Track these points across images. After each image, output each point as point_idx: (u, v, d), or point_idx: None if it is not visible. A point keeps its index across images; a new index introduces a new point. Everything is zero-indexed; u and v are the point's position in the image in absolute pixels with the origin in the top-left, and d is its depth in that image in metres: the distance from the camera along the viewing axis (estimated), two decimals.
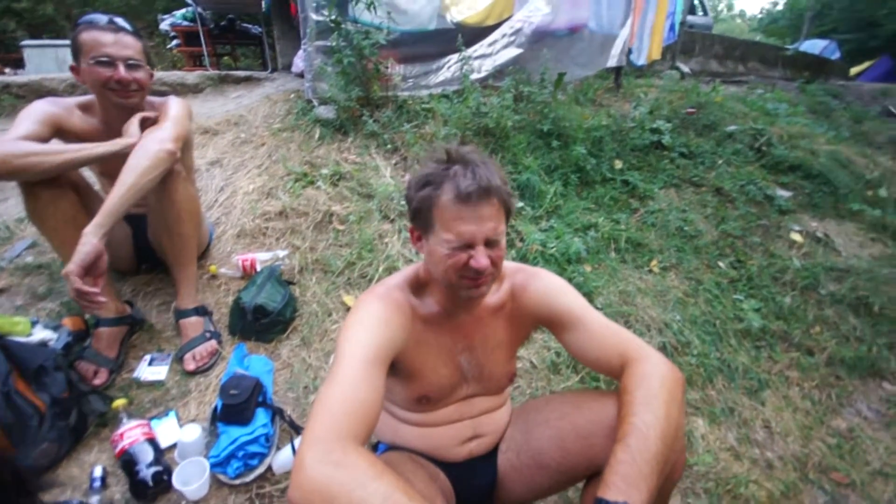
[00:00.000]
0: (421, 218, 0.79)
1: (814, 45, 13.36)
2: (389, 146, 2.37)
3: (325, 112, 2.54)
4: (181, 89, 3.67)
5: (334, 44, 2.41)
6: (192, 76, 3.75)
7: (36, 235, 1.78)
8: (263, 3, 4.15)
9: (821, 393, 1.76)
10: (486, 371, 0.96)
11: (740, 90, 5.64)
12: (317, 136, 2.41)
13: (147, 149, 1.18)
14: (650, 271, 2.14)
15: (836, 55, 13.44)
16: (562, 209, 2.32)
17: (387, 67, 2.58)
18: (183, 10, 4.12)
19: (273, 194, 2.02)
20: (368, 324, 0.80)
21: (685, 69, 6.14)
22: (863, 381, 1.85)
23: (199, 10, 4.05)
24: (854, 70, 12.39)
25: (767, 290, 2.10)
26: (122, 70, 1.25)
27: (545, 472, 0.95)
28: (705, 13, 8.50)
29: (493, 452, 1.02)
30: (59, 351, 1.09)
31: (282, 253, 1.70)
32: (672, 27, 5.39)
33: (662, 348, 1.76)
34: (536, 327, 1.00)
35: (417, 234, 0.83)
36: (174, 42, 4.29)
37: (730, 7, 38.21)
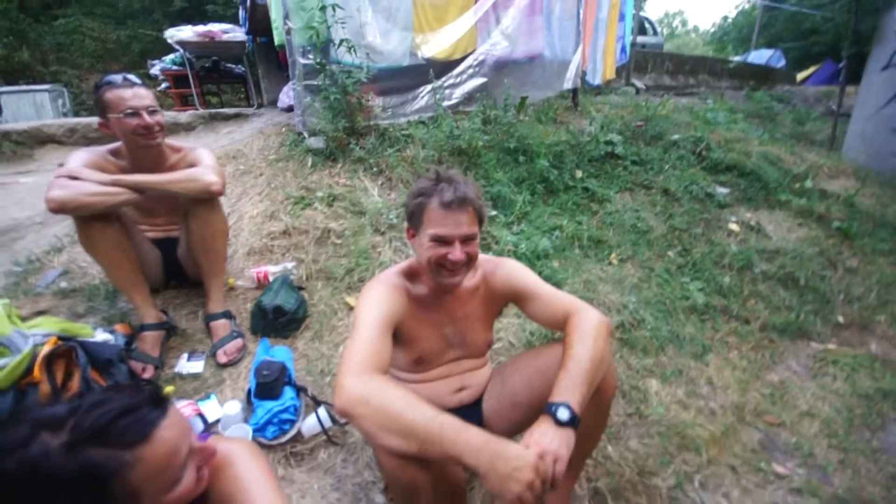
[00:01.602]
0: (414, 219, 1.09)
1: (760, 56, 14.39)
2: (375, 169, 2.68)
3: (316, 142, 2.83)
4: (175, 128, 3.94)
5: (321, 83, 2.73)
6: (184, 116, 4.03)
7: (66, 265, 2.01)
8: (247, 46, 4.50)
9: (756, 353, 2.08)
10: (468, 339, 1.24)
11: (692, 101, 6.18)
12: (309, 163, 2.69)
13: (202, 176, 1.47)
14: (610, 263, 2.47)
15: (782, 63, 14.48)
16: (530, 215, 2.65)
17: (368, 100, 2.91)
18: (172, 56, 4.42)
19: (276, 216, 2.28)
20: (376, 300, 1.08)
21: (640, 85, 6.70)
22: (793, 342, 2.18)
23: (188, 55, 4.36)
24: (801, 75, 13.36)
25: (709, 273, 2.44)
26: (146, 117, 1.52)
27: (519, 409, 1.22)
28: (655, 33, 9.22)
29: (478, 401, 1.29)
30: (122, 347, 1.33)
31: (290, 265, 1.96)
32: (623, 49, 5.94)
33: (621, 325, 2.06)
34: (505, 303, 1.29)
35: (412, 231, 1.12)
36: (164, 85, 4.57)
37: (684, 23, 40.73)
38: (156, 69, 4.44)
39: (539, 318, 1.19)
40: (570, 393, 0.93)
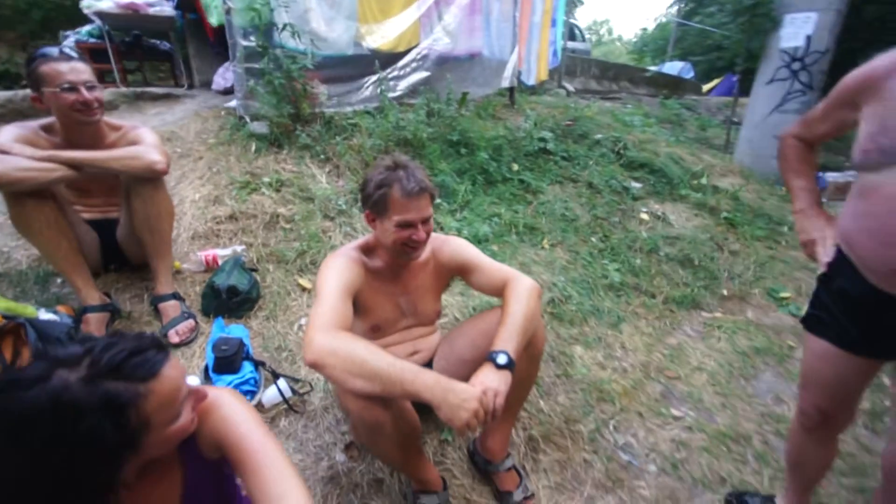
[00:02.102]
0: (378, 207, 1.18)
1: (673, 67, 15.95)
2: (322, 157, 2.71)
3: (259, 127, 2.80)
4: None
5: (264, 66, 2.70)
6: (104, 93, 3.72)
7: None
8: (176, 21, 4.22)
9: (659, 322, 2.45)
10: (419, 309, 1.38)
11: (614, 105, 6.76)
12: (253, 149, 2.67)
13: (146, 154, 1.45)
14: (542, 248, 2.73)
15: (691, 75, 16.14)
16: (472, 203, 2.84)
17: (313, 88, 2.92)
18: (88, 27, 4.02)
19: (220, 201, 2.26)
20: (337, 270, 1.19)
21: (570, 88, 7.20)
22: (688, 312, 2.58)
23: (106, 27, 4.00)
24: (706, 87, 14.97)
25: (624, 255, 2.80)
26: (84, 93, 1.48)
27: (465, 366, 1.39)
28: (583, 39, 9.89)
29: (429, 364, 1.45)
30: (70, 325, 1.30)
31: (239, 248, 1.97)
32: (555, 53, 6.35)
33: (551, 301, 2.32)
34: (452, 276, 1.45)
35: (373, 216, 1.23)
36: None
37: (610, 32, 43.71)
38: (69, 41, 4.01)
39: (481, 287, 1.36)
40: (507, 343, 1.11)
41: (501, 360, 1.08)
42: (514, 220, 2.82)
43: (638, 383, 2.02)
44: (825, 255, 1.17)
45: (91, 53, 4.04)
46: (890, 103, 0.97)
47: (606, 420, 1.79)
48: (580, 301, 2.38)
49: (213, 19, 3.19)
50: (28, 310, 1.27)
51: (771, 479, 1.66)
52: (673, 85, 11.07)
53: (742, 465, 1.72)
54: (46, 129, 1.53)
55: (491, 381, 1.04)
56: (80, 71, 1.48)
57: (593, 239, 2.91)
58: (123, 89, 3.81)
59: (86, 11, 3.88)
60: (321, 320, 1.03)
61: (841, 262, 1.12)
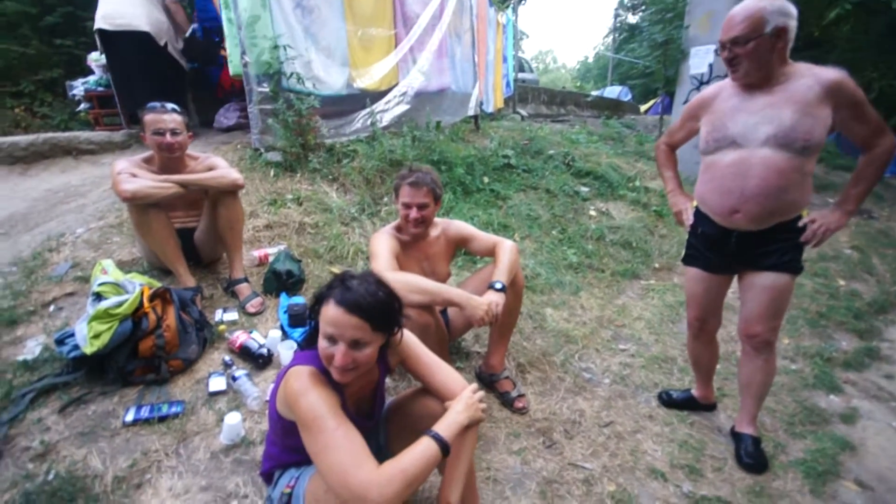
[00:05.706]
0: (395, 193, 1.83)
1: (612, 91, 17.68)
2: (330, 177, 3.30)
3: (274, 157, 3.35)
4: (109, 146, 4.08)
5: (277, 107, 3.27)
6: (118, 135, 4.17)
7: (69, 259, 2.30)
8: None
9: (609, 289, 3.15)
10: (436, 269, 1.99)
11: (563, 127, 7.72)
12: (272, 174, 3.22)
13: (229, 174, 2.00)
14: (514, 240, 3.40)
15: (629, 97, 17.94)
16: (455, 209, 3.49)
17: (317, 122, 3.52)
18: (94, 77, 4.45)
19: (255, 214, 2.79)
20: (382, 240, 1.79)
21: (524, 113, 8.14)
22: (629, 281, 3.30)
23: (109, 77, 4.45)
24: (644, 107, 16.68)
25: (579, 243, 3.52)
26: (168, 137, 2.01)
27: None
28: (531, 71, 11.07)
29: (444, 310, 2.04)
30: (194, 293, 1.80)
31: (282, 247, 2.51)
32: (508, 84, 7.29)
33: (526, 277, 2.97)
34: (458, 246, 2.07)
35: (395, 199, 1.85)
36: (83, 106, 4.53)
37: (555, 60, 47.29)
38: (78, 90, 4.42)
39: (479, 251, 1.99)
40: (500, 276, 1.74)
41: (498, 286, 1.70)
42: (490, 220, 3.49)
43: (594, 330, 2.68)
44: (688, 219, 1.85)
45: (99, 100, 4.47)
46: (715, 114, 1.64)
47: (572, 354, 2.43)
48: (547, 277, 3.05)
49: (231, 70, 3.66)
50: (158, 284, 1.77)
51: (690, 383, 2.32)
52: (613, 107, 12.41)
53: (669, 375, 2.39)
54: (146, 160, 2.05)
55: (492, 297, 1.66)
56: (167, 121, 2.00)
57: (554, 232, 3.62)
58: (135, 130, 4.25)
59: (92, 64, 4.35)
60: (384, 266, 1.63)
61: (700, 215, 1.79)
